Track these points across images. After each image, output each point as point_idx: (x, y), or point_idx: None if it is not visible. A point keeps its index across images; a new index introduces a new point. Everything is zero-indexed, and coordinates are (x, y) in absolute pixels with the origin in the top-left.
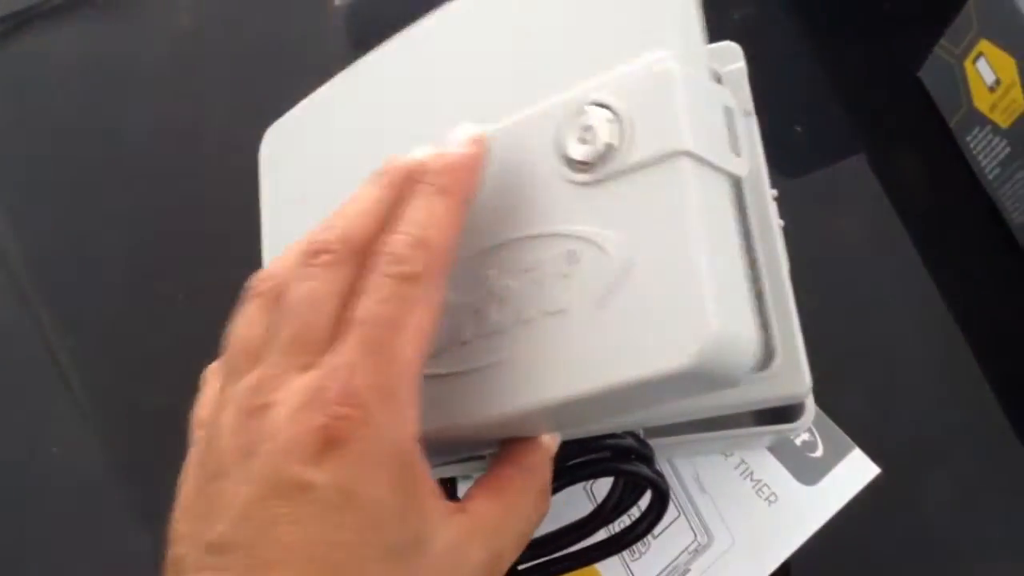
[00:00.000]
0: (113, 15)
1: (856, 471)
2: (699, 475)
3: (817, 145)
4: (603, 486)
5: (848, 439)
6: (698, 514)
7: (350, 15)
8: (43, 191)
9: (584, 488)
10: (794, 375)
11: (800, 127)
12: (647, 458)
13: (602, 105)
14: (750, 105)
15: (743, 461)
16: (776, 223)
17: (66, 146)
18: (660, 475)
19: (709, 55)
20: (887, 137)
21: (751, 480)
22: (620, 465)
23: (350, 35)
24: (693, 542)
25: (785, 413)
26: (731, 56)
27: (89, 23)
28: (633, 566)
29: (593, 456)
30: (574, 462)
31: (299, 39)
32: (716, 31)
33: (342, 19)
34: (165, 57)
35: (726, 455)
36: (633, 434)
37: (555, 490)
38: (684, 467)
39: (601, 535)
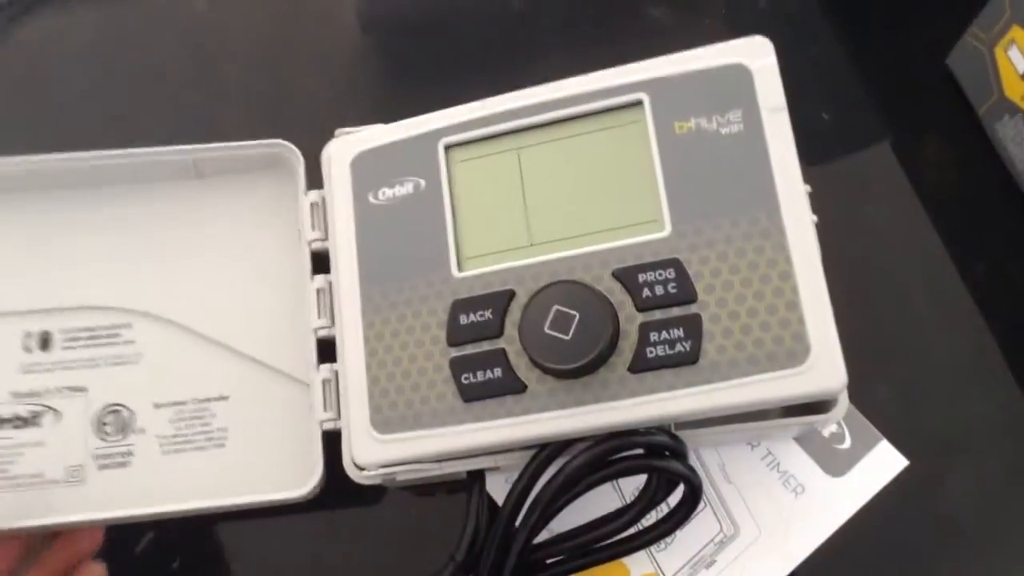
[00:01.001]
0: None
1: (884, 463)
2: (725, 465)
3: (844, 132)
4: (631, 478)
5: (876, 431)
6: (724, 505)
7: (362, 3)
8: None
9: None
10: (830, 370)
11: (827, 114)
12: (680, 453)
13: None
14: (782, 101)
15: (769, 452)
16: (810, 218)
17: (74, 136)
18: (693, 471)
19: (738, 49)
20: (914, 125)
21: (778, 471)
22: (655, 462)
23: (360, 20)
24: (719, 533)
25: (816, 404)
26: (761, 51)
27: (99, 6)
28: (659, 556)
29: (628, 453)
30: (609, 460)
31: (311, 26)
32: (743, 17)
33: (354, 7)
34: (178, 42)
35: (752, 445)
36: (665, 429)
37: (589, 487)
38: (710, 457)
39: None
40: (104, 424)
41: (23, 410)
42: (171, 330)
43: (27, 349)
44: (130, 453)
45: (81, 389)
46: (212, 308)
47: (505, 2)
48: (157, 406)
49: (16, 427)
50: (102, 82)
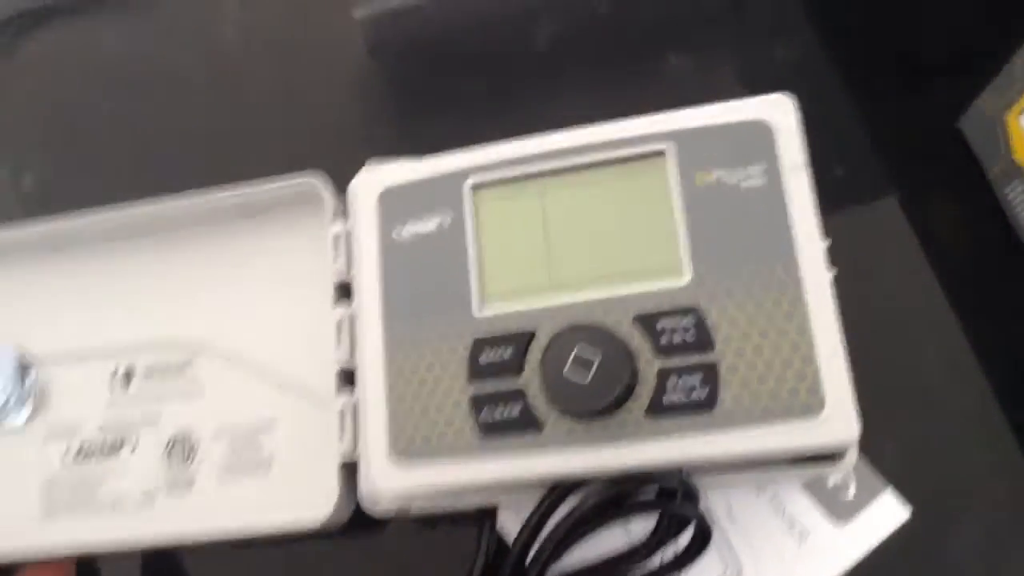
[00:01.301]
0: (133, 13)
1: (888, 512)
2: (732, 507)
3: (855, 187)
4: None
5: (881, 480)
6: (729, 546)
7: (369, 27)
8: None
9: None
10: (843, 422)
11: (838, 170)
12: (692, 496)
13: None
14: (803, 158)
15: (775, 495)
16: (827, 275)
17: (87, 155)
18: (704, 514)
19: (760, 105)
20: (924, 185)
21: (782, 515)
22: (668, 505)
23: (367, 44)
24: (723, 574)
25: (826, 454)
26: (784, 108)
27: (111, 22)
28: None
29: (641, 495)
30: (621, 501)
31: (319, 48)
32: (758, 72)
33: (361, 30)
34: (179, 62)
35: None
36: (678, 472)
37: (600, 526)
38: (717, 498)
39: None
40: (172, 452)
41: (109, 440)
42: (228, 362)
43: (112, 384)
44: (194, 480)
45: (154, 420)
46: (263, 340)
47: (529, 40)
48: (216, 434)
49: (102, 456)
50: (108, 97)
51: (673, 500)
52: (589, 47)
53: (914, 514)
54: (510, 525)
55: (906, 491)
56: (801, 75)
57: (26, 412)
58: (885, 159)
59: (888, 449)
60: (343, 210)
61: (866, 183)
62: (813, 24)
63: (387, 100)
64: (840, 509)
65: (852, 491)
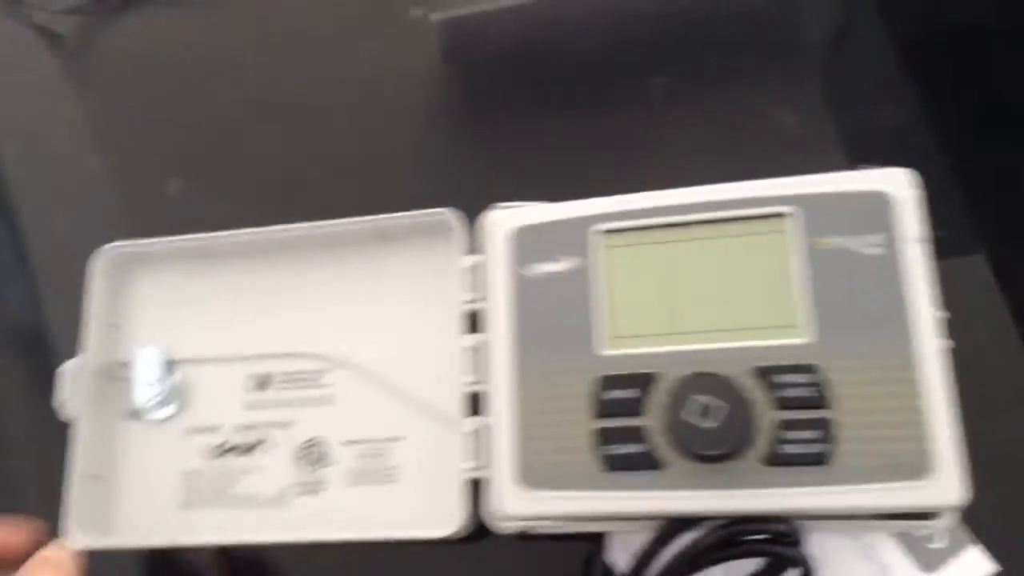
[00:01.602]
0: (195, 7)
1: (974, 567)
2: (827, 551)
3: (946, 249)
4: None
5: (968, 535)
6: None
7: (445, 30)
8: (112, 196)
9: None
10: (952, 486)
11: (939, 231)
12: (798, 542)
13: None
14: (922, 232)
15: (867, 541)
16: (940, 343)
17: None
18: (808, 558)
19: (884, 178)
20: (1012, 246)
21: (872, 561)
22: (779, 549)
23: (442, 49)
24: None
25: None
26: (906, 182)
27: (177, 15)
28: None
29: (751, 538)
30: (733, 542)
31: (389, 51)
32: (863, 137)
33: (436, 33)
34: (248, 60)
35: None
36: (784, 519)
37: (710, 562)
38: (811, 544)
39: None
40: (304, 456)
41: (246, 440)
42: (360, 376)
43: (251, 388)
44: (323, 483)
45: (288, 424)
46: (394, 357)
47: (642, 88)
48: (346, 443)
49: (239, 454)
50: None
51: (784, 544)
52: (686, 88)
53: (1002, 573)
54: (614, 549)
55: (996, 549)
56: (901, 134)
57: (172, 409)
58: (976, 220)
59: (980, 506)
60: (470, 243)
61: (959, 243)
62: (913, 82)
63: (464, 117)
64: (929, 559)
65: (940, 542)
